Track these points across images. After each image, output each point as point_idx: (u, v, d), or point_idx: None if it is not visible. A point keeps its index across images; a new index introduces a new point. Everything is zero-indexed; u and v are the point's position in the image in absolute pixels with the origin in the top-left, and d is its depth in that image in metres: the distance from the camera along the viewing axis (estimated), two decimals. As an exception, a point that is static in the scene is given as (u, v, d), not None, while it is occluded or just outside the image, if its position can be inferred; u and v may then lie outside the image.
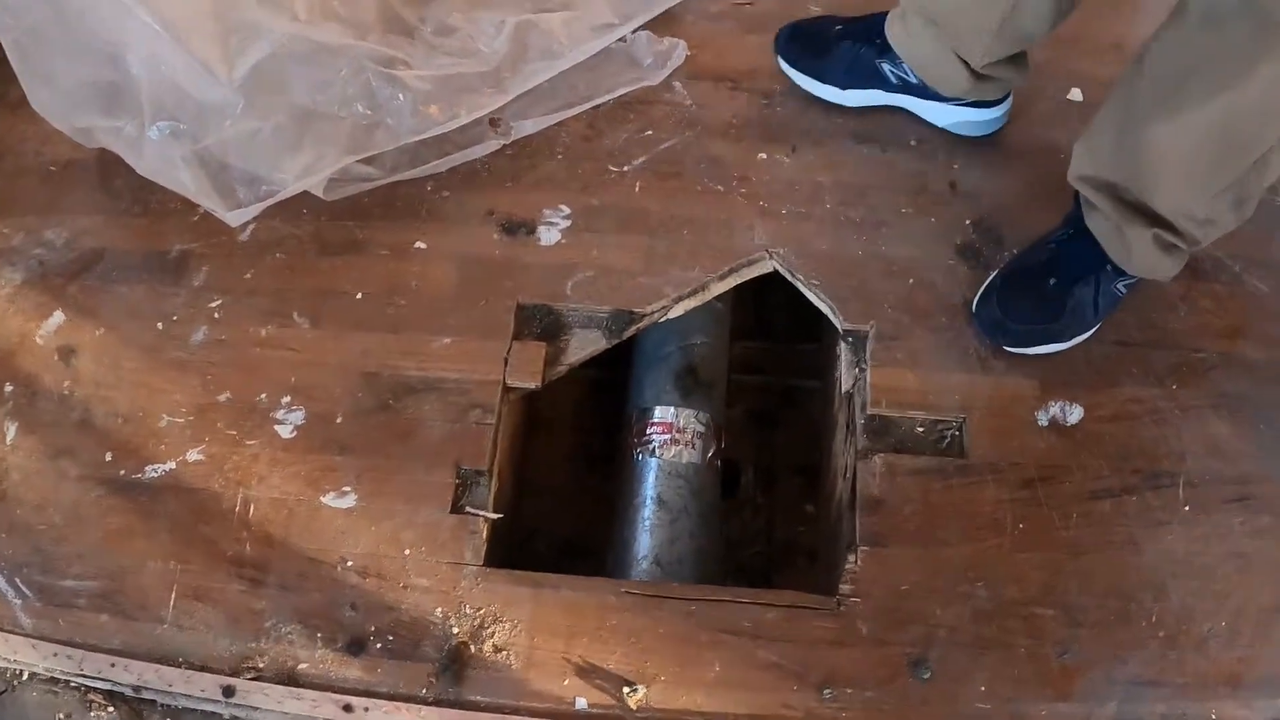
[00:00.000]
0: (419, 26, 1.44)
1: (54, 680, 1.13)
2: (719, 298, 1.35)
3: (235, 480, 1.18)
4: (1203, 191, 1.14)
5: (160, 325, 1.29)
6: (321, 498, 1.16)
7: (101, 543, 1.16)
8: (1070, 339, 1.26)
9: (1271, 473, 1.21)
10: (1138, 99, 1.12)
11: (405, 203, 1.36)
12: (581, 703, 1.05)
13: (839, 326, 1.29)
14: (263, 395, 1.23)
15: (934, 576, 1.13)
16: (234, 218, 1.29)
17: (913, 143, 1.42)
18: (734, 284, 1.33)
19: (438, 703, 1.05)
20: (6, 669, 1.14)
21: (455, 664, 1.06)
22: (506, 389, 1.23)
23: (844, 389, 1.29)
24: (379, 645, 1.08)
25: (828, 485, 1.41)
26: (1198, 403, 1.25)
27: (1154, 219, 1.16)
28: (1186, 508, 1.18)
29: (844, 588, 1.12)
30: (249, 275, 1.32)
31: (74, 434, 1.23)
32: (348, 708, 1.05)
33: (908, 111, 1.43)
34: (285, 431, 1.20)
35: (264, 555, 1.13)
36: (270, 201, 1.28)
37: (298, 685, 1.07)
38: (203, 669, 1.08)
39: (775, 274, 1.34)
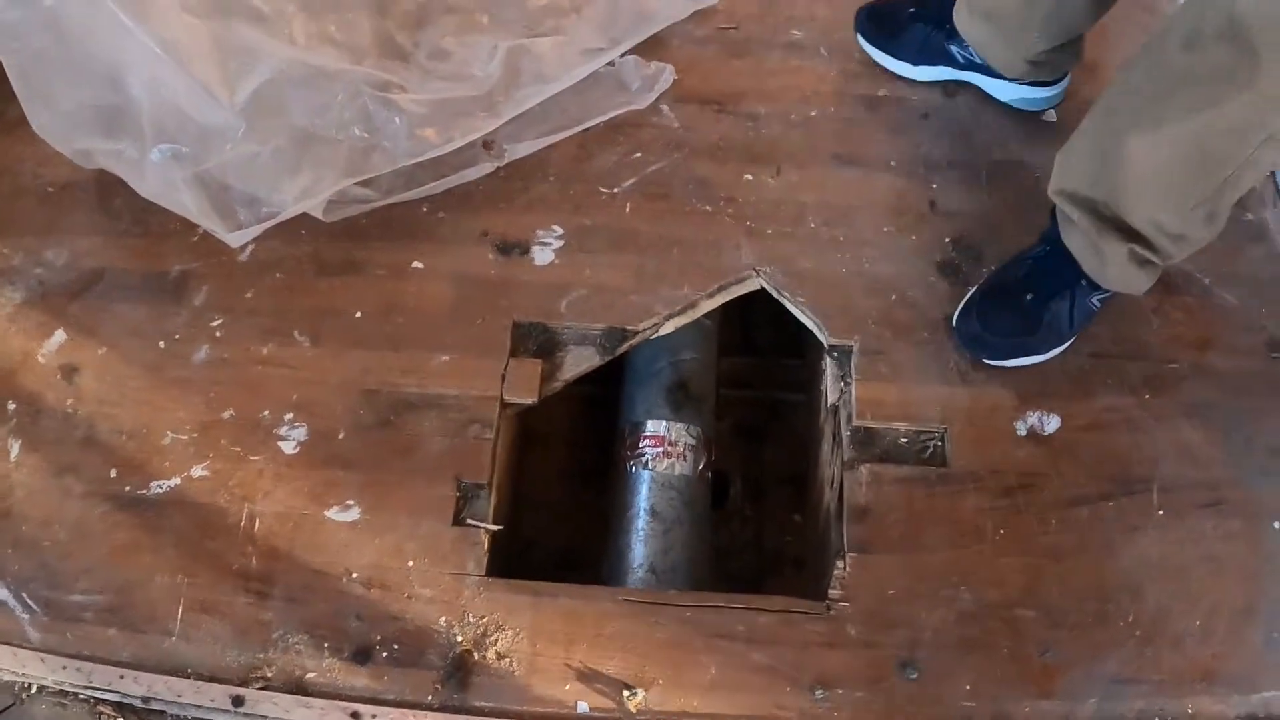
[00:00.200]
0: (413, 51, 1.47)
1: (63, 693, 1.14)
2: (707, 315, 1.38)
3: (240, 495, 1.19)
4: (1177, 206, 1.17)
5: (162, 344, 1.30)
6: (325, 512, 1.18)
7: (108, 558, 1.17)
8: (1047, 351, 1.29)
9: (1241, 478, 1.24)
10: (1118, 113, 1.16)
11: (402, 224, 1.38)
12: (583, 706, 1.08)
13: (825, 342, 1.32)
14: (265, 412, 1.24)
15: (919, 581, 1.16)
16: (235, 238, 1.30)
17: (892, 163, 1.46)
18: (722, 301, 1.36)
19: (443, 709, 1.07)
20: (14, 683, 1.14)
21: (460, 671, 1.09)
22: (504, 404, 1.25)
23: (830, 402, 1.32)
24: (385, 654, 1.10)
25: (814, 495, 1.44)
26: (1170, 412, 1.28)
27: (1129, 234, 1.20)
28: (1160, 513, 1.21)
29: (833, 592, 1.15)
30: (249, 295, 1.33)
31: (78, 451, 1.24)
32: (355, 715, 1.07)
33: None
34: (288, 447, 1.22)
35: (270, 568, 1.15)
36: (271, 223, 1.30)
37: (306, 694, 1.08)
38: (211, 679, 1.10)
39: (762, 291, 1.37)
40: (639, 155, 1.46)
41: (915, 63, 1.53)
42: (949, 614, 1.14)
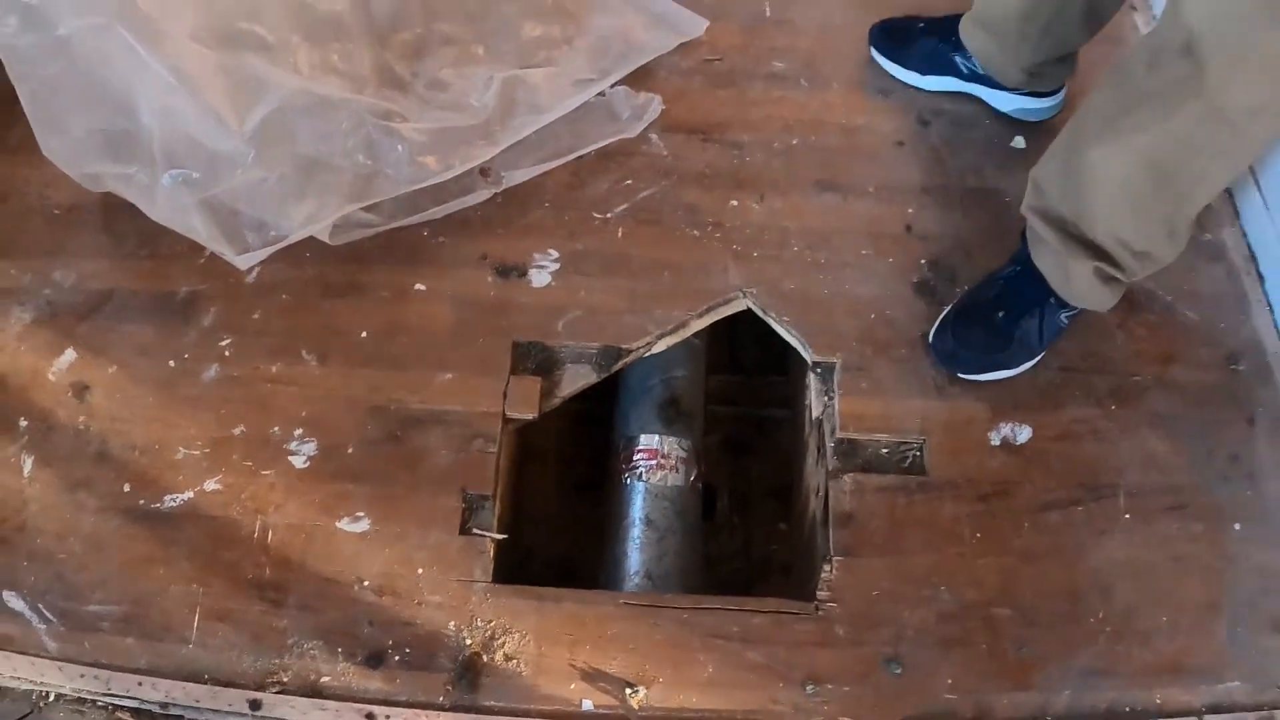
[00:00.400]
0: (412, 81, 1.52)
1: (80, 700, 1.16)
2: (696, 334, 1.44)
3: (253, 508, 1.23)
4: (1138, 220, 1.23)
5: (172, 363, 1.34)
6: (336, 523, 1.22)
7: (123, 569, 1.20)
8: (1018, 366, 1.35)
9: (1203, 483, 1.31)
10: (1083, 131, 1.23)
11: (404, 248, 1.43)
12: (587, 704, 1.13)
13: (809, 359, 1.38)
14: (276, 428, 1.29)
15: (902, 582, 1.22)
16: (243, 261, 1.34)
17: (870, 189, 1.52)
18: (710, 321, 1.41)
19: (455, 708, 1.12)
20: (31, 691, 1.17)
21: (469, 672, 1.13)
22: (506, 420, 1.30)
23: (814, 416, 1.37)
24: (397, 658, 1.15)
25: (800, 504, 1.50)
26: (1135, 422, 1.34)
27: (1095, 251, 1.26)
28: (1127, 516, 1.28)
29: (821, 594, 1.20)
30: (257, 315, 1.37)
31: (91, 466, 1.27)
32: (370, 716, 1.11)
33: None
34: (299, 462, 1.26)
35: (283, 577, 1.19)
36: (278, 246, 1.34)
37: (321, 697, 1.12)
38: (229, 684, 1.13)
39: (747, 311, 1.42)
40: (630, 182, 1.51)
41: (924, 72, 1.62)
42: (930, 613, 1.20)
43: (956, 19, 1.58)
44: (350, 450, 1.27)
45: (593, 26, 1.62)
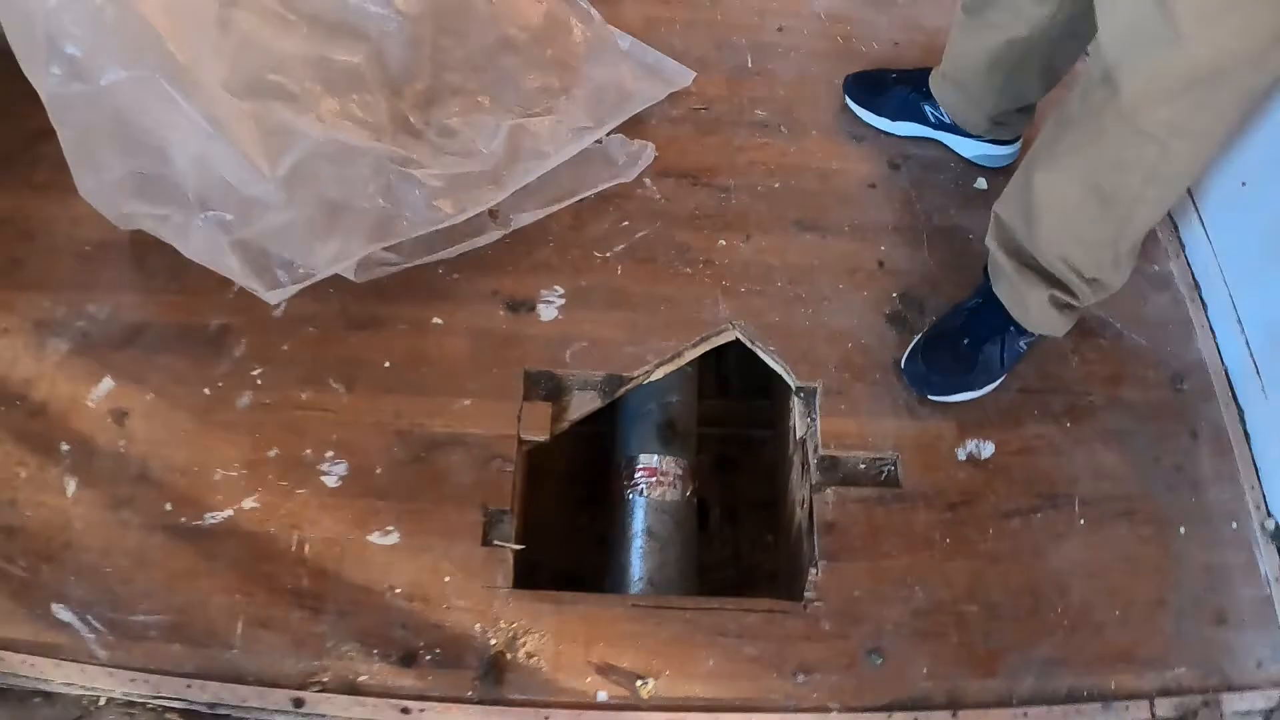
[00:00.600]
0: (424, 129, 1.60)
1: (130, 704, 1.23)
2: (689, 363, 1.54)
3: (289, 524, 1.32)
4: (1083, 244, 1.32)
5: (207, 391, 1.42)
6: (368, 536, 1.32)
7: (167, 581, 1.28)
8: (982, 388, 1.46)
9: (1150, 491, 1.42)
10: (1031, 160, 1.35)
11: (421, 284, 1.52)
12: (602, 695, 1.23)
13: (792, 384, 1.49)
14: (308, 451, 1.38)
15: (880, 583, 1.33)
16: (273, 296, 1.43)
17: (846, 229, 1.64)
18: (703, 351, 1.52)
19: (482, 702, 1.22)
20: (82, 697, 1.23)
21: (495, 669, 1.24)
22: (521, 441, 1.40)
23: (798, 435, 1.49)
24: (428, 657, 1.24)
25: (786, 515, 1.61)
26: (1088, 437, 1.46)
27: (1049, 280, 1.36)
28: (1082, 522, 1.39)
29: (808, 594, 1.32)
30: (286, 347, 1.46)
31: (133, 487, 1.34)
32: (405, 710, 1.21)
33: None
34: (331, 481, 1.36)
35: (320, 587, 1.28)
36: (308, 283, 1.44)
37: (360, 694, 1.22)
38: (273, 685, 1.22)
39: (735, 341, 1.53)
40: (627, 224, 1.62)
41: (894, 119, 1.74)
42: (906, 610, 1.31)
43: (926, 71, 1.71)
44: (378, 470, 1.37)
45: (589, 77, 1.72)
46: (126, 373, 1.44)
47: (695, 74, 1.81)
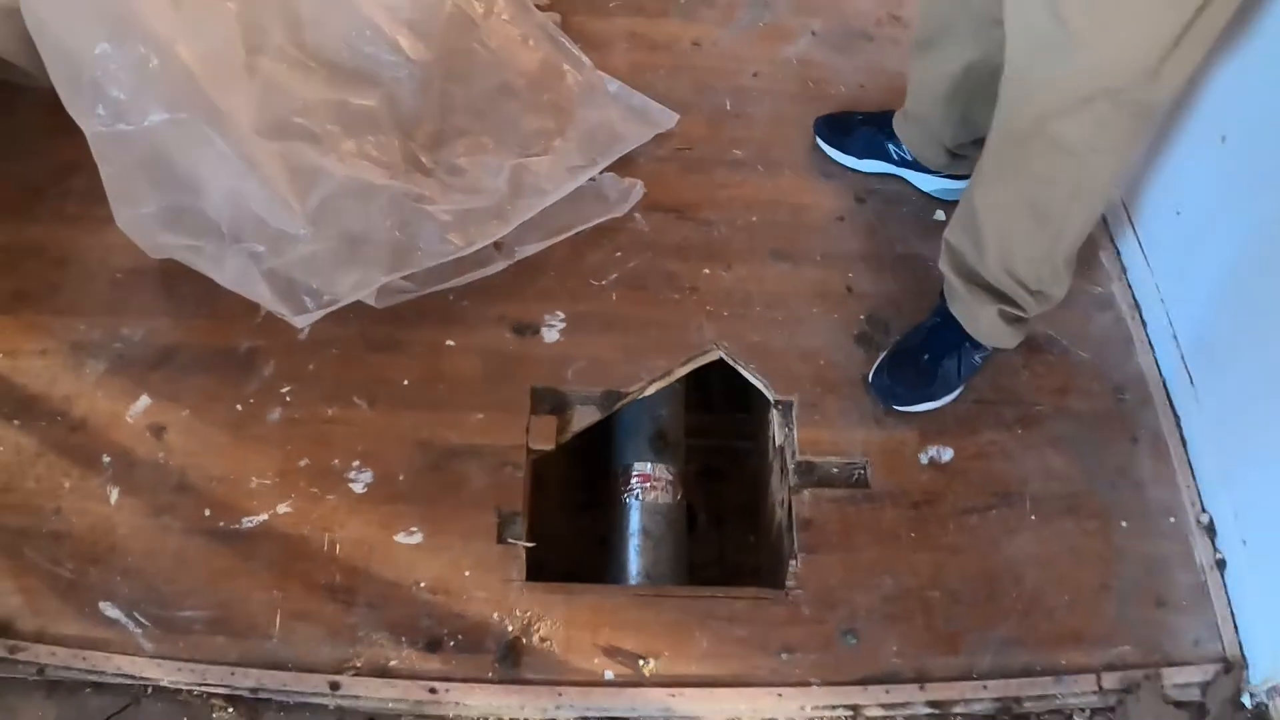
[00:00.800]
0: (434, 168, 1.72)
1: (177, 691, 1.32)
2: (677, 380, 1.67)
3: (321, 526, 1.43)
4: (1023, 256, 1.40)
5: (239, 407, 1.52)
6: (394, 537, 1.43)
7: (209, 580, 1.38)
8: (941, 399, 1.58)
9: (1095, 490, 1.54)
10: (972, 184, 1.45)
11: (434, 310, 1.63)
12: (609, 674, 1.35)
13: (771, 398, 1.62)
14: (336, 461, 1.49)
15: (853, 573, 1.45)
16: (300, 321, 1.54)
17: (817, 258, 1.78)
18: (690, 369, 1.65)
19: (501, 682, 1.33)
20: (131, 686, 1.32)
21: (512, 653, 1.35)
22: (529, 451, 1.53)
23: (777, 443, 1.62)
24: (451, 643, 1.36)
25: (766, 515, 1.74)
26: (1038, 442, 1.58)
27: (997, 295, 1.46)
28: (1033, 517, 1.51)
29: (789, 583, 1.44)
30: (311, 367, 1.57)
31: (173, 495, 1.43)
32: (432, 689, 1.32)
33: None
34: (358, 488, 1.47)
35: (352, 582, 1.39)
36: (332, 308, 1.54)
37: (390, 677, 1.32)
38: (311, 670, 1.32)
39: (719, 360, 1.66)
40: (620, 254, 1.75)
41: (860, 157, 1.86)
42: (877, 596, 1.43)
43: (889, 113, 1.84)
44: (401, 478, 1.48)
45: (582, 120, 1.84)
46: (162, 391, 1.53)
47: (679, 116, 1.93)
